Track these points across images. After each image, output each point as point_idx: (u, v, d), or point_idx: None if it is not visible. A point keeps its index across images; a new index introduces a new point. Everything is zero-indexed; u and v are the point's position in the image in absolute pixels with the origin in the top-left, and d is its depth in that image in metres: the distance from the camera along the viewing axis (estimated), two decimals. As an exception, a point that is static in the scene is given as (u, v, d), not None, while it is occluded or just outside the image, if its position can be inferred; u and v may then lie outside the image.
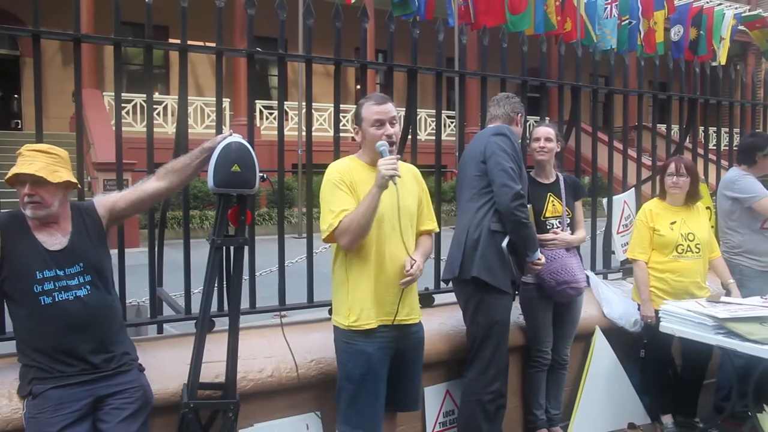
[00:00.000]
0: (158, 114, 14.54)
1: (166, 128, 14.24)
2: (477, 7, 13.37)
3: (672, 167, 3.65)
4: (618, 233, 4.35)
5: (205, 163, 2.48)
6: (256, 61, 3.17)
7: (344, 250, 2.53)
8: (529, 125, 3.79)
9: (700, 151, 4.85)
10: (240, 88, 14.69)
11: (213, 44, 3.06)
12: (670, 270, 3.59)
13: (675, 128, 4.85)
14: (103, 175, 11.09)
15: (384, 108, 2.58)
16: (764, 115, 5.46)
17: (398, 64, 3.49)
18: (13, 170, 2.22)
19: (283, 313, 3.45)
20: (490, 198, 3.01)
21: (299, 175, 13.31)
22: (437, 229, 2.80)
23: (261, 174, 2.52)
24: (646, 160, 4.73)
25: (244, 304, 2.77)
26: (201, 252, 2.71)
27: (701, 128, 5.03)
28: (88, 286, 2.29)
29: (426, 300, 3.56)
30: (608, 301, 3.86)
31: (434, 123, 3.77)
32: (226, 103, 14.37)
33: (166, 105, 14.96)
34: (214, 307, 2.72)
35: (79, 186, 2.49)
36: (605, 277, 4.33)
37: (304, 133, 3.54)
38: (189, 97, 3.17)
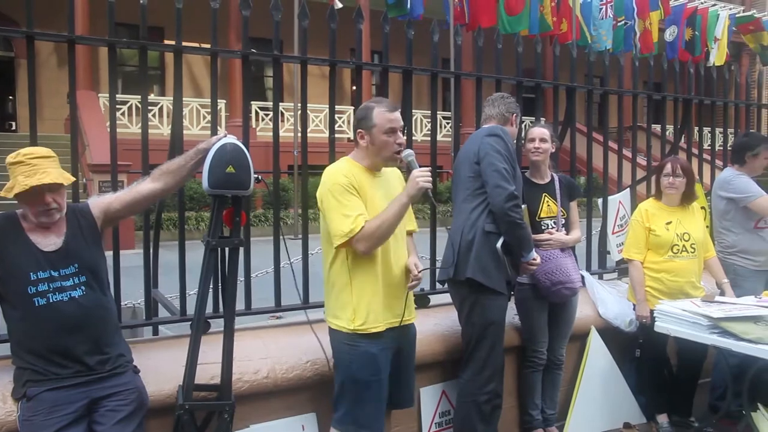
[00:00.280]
0: (153, 115, 14.53)
1: (162, 129, 14.23)
2: (471, 8, 13.41)
3: (668, 168, 3.66)
4: (613, 233, 4.36)
5: (200, 164, 2.47)
6: (251, 62, 3.17)
7: (361, 254, 2.48)
8: (524, 126, 3.80)
9: (695, 151, 4.87)
10: (235, 89, 14.68)
11: (208, 45, 3.06)
12: (666, 270, 3.60)
13: (670, 128, 4.86)
14: (98, 176, 11.06)
15: (397, 116, 2.58)
16: (758, 115, 5.48)
17: (393, 65, 3.49)
18: (29, 183, 2.17)
19: (278, 314, 3.45)
20: (484, 199, 3.01)
21: (295, 177, 13.31)
22: (417, 229, 2.82)
23: (256, 175, 2.53)
24: (641, 161, 4.74)
25: (240, 305, 2.76)
26: (196, 253, 2.71)
27: (696, 128, 5.04)
28: (83, 287, 2.29)
29: (422, 301, 3.57)
30: (603, 301, 3.86)
31: (429, 124, 3.77)
32: (221, 104, 14.36)
33: (162, 106, 14.94)
34: (209, 309, 2.71)
35: (75, 179, 2.48)
36: (600, 278, 4.35)
37: (299, 134, 3.53)
38: (184, 99, 3.17)
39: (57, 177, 2.22)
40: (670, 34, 16.62)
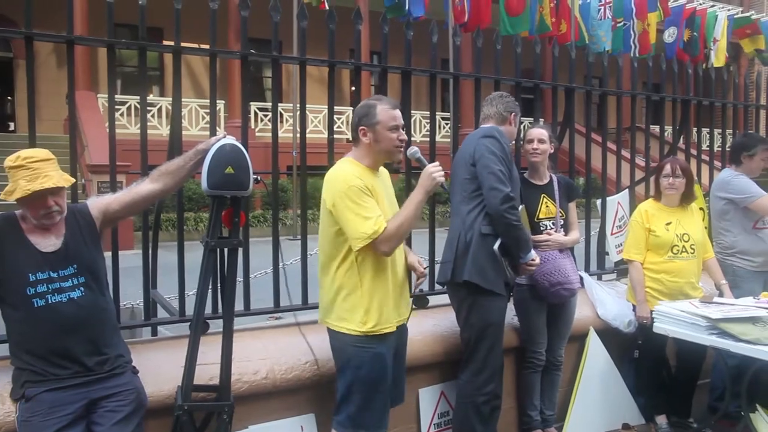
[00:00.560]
0: (152, 116, 14.52)
1: (161, 130, 14.22)
2: (472, 8, 13.42)
3: (667, 168, 3.67)
4: (612, 234, 4.36)
5: (199, 165, 2.48)
6: (250, 63, 3.17)
7: (382, 255, 2.49)
8: (523, 126, 3.80)
9: (694, 152, 4.88)
10: (234, 90, 14.68)
11: (207, 46, 3.06)
12: (666, 270, 3.60)
13: (668, 129, 4.87)
14: (97, 177, 11.06)
15: (399, 113, 2.59)
16: (757, 116, 5.49)
17: (392, 65, 3.50)
18: (31, 187, 2.16)
19: (277, 315, 3.45)
20: (480, 201, 3.00)
21: (294, 177, 13.30)
22: None
23: (255, 176, 2.53)
24: (640, 161, 4.75)
25: (239, 306, 2.76)
26: (195, 254, 2.71)
27: (694, 129, 5.05)
28: (81, 288, 2.29)
29: (420, 301, 3.57)
30: (602, 302, 3.87)
31: (428, 124, 3.77)
32: (220, 104, 14.36)
33: (161, 107, 14.93)
34: (208, 309, 2.71)
35: (74, 180, 2.47)
36: (599, 278, 4.35)
37: (298, 135, 3.54)
38: (183, 99, 3.17)
39: (58, 180, 2.22)
40: (669, 36, 16.63)
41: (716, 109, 4.99)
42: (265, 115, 15.94)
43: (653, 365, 3.75)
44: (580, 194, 3.87)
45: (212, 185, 2.41)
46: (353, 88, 3.54)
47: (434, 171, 2.52)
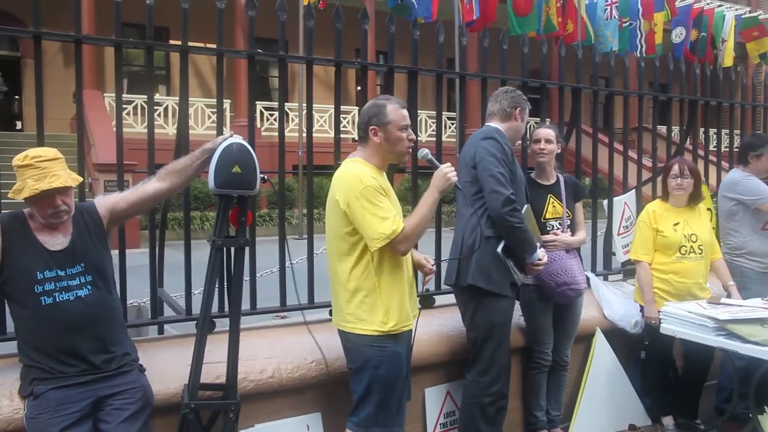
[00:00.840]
0: (159, 115, 14.56)
1: (167, 129, 14.27)
2: (481, 6, 13.41)
3: (675, 169, 3.65)
4: (618, 235, 4.35)
5: (206, 164, 2.48)
6: (256, 62, 3.17)
7: (400, 254, 2.50)
8: (530, 126, 3.79)
9: (701, 152, 4.86)
10: (241, 90, 14.70)
11: (214, 46, 3.07)
12: (674, 271, 3.58)
13: (675, 130, 4.85)
14: (104, 176, 11.11)
15: (407, 113, 2.61)
16: (765, 116, 5.46)
17: (399, 65, 3.49)
18: (39, 187, 2.17)
19: (283, 314, 3.45)
20: (483, 204, 2.99)
21: (300, 176, 13.32)
22: None
23: (262, 175, 2.53)
24: (647, 162, 4.73)
25: (245, 305, 2.77)
26: (201, 253, 2.72)
27: (702, 130, 5.03)
28: (89, 287, 2.30)
29: (426, 301, 3.57)
30: (609, 302, 3.85)
31: (435, 124, 3.77)
32: (226, 104, 14.38)
33: (167, 106, 14.98)
34: (214, 308, 2.72)
35: (82, 179, 2.48)
36: (606, 279, 4.33)
37: (304, 134, 3.54)
38: (190, 98, 3.17)
39: (66, 180, 2.23)
40: (677, 36, 16.56)
41: (724, 109, 4.97)
42: (271, 114, 15.96)
43: (660, 366, 3.74)
44: (587, 194, 3.86)
45: (219, 184, 2.41)
46: (359, 88, 3.53)
47: (448, 171, 2.55)
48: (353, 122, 15.67)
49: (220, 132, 2.93)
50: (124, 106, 3.20)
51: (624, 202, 4.40)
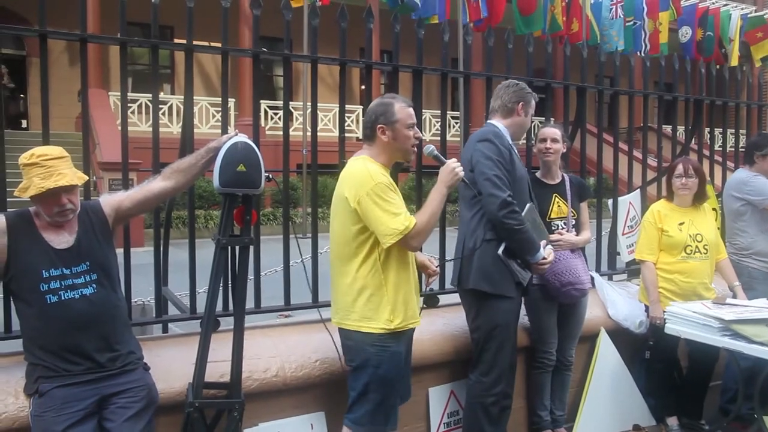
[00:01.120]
0: (163, 114, 14.60)
1: (171, 128, 14.29)
2: (488, 5, 13.40)
3: (680, 168, 3.64)
4: (623, 234, 4.34)
5: (210, 162, 2.49)
6: (261, 61, 3.17)
7: (411, 250, 2.54)
8: (534, 126, 3.78)
9: (706, 152, 4.84)
10: (245, 88, 14.72)
11: (218, 44, 3.07)
12: (679, 271, 3.57)
13: (681, 129, 4.83)
14: (109, 174, 11.13)
15: (413, 111, 2.62)
16: (771, 116, 5.44)
17: (403, 64, 3.49)
18: (45, 185, 2.18)
19: (287, 313, 3.46)
20: (481, 207, 2.97)
21: (304, 175, 13.33)
22: None
23: (266, 174, 2.53)
24: (652, 162, 4.72)
25: (249, 303, 2.77)
26: (206, 251, 2.72)
27: (707, 129, 5.01)
28: (94, 285, 2.30)
29: (431, 300, 3.57)
30: (613, 302, 3.84)
31: (439, 123, 3.76)
32: (231, 103, 14.41)
33: (171, 105, 15.00)
34: (219, 307, 2.72)
35: (87, 178, 2.49)
36: (610, 279, 4.33)
37: (309, 133, 3.54)
38: (194, 97, 3.17)
39: (72, 178, 2.24)
40: (683, 35, 16.51)
41: (729, 109, 4.95)
42: (276, 113, 15.97)
43: (664, 366, 3.73)
44: (592, 194, 3.85)
45: (224, 183, 2.42)
46: (363, 87, 3.54)
47: (455, 166, 2.56)
48: (357, 121, 15.68)
49: (224, 131, 2.93)
50: (128, 104, 3.21)
51: (629, 201, 4.39)
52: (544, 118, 3.87)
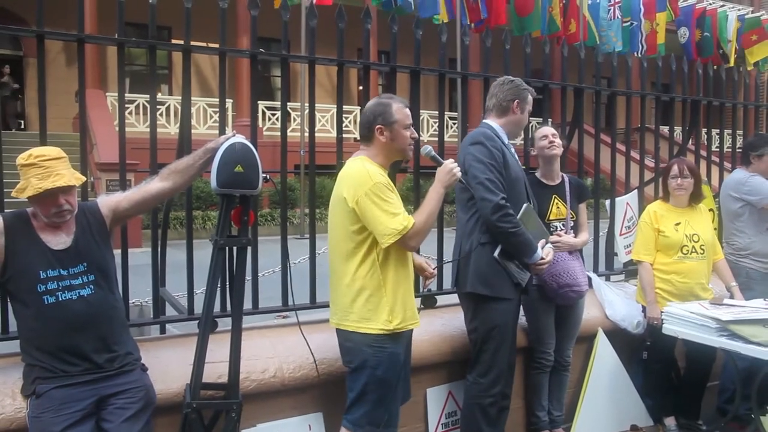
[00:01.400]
0: (161, 114, 14.58)
1: (169, 129, 14.28)
2: (487, 6, 13.41)
3: (675, 169, 3.65)
4: (621, 235, 4.34)
5: (208, 163, 2.48)
6: (259, 62, 3.17)
7: (409, 249, 2.55)
8: (531, 126, 3.78)
9: (703, 153, 4.85)
10: (243, 89, 14.72)
11: (216, 45, 3.07)
12: (675, 271, 3.58)
13: (678, 130, 4.84)
14: (106, 175, 11.13)
15: (409, 111, 2.62)
16: (767, 117, 5.45)
17: (401, 65, 3.49)
18: (43, 186, 2.18)
19: (285, 314, 3.45)
20: (476, 210, 2.97)
21: (301, 176, 13.32)
22: None
23: (264, 174, 2.53)
24: (649, 162, 4.72)
25: (247, 304, 2.77)
26: (203, 252, 2.72)
27: (704, 130, 5.03)
28: (91, 286, 2.30)
29: (428, 301, 3.57)
30: (611, 302, 3.85)
31: (437, 124, 3.77)
32: (228, 103, 14.38)
33: (169, 105, 14.99)
34: (217, 308, 2.72)
35: (85, 179, 2.48)
36: (608, 279, 4.33)
37: (306, 134, 3.54)
38: (192, 98, 3.17)
39: (70, 179, 2.24)
40: (681, 36, 16.55)
41: (726, 109, 4.96)
42: (273, 114, 15.97)
43: (662, 367, 3.74)
44: (590, 195, 3.85)
45: (221, 184, 2.42)
46: (361, 88, 3.53)
47: (453, 166, 2.57)
48: (355, 122, 15.68)
49: (222, 131, 2.93)
50: (126, 105, 3.20)
51: (626, 202, 4.40)
52: (541, 119, 3.88)
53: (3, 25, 2.78)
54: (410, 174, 3.65)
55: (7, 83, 14.59)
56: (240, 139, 2.48)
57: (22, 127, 15.71)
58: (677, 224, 3.62)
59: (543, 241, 3.05)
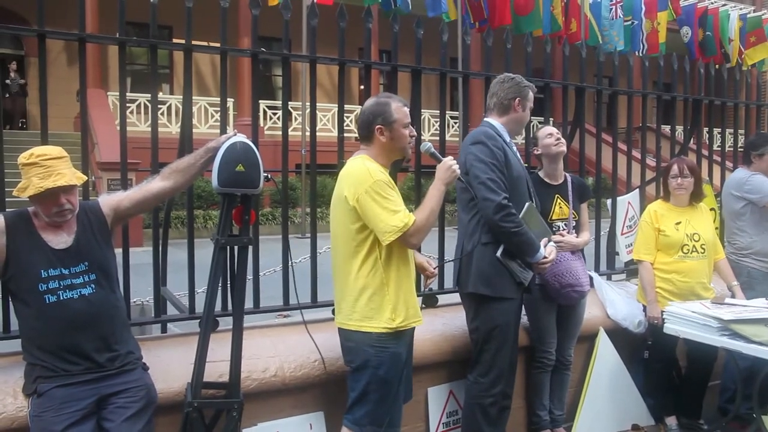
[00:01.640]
0: (162, 114, 14.59)
1: (170, 128, 14.29)
2: (489, 6, 13.39)
3: (675, 169, 3.65)
4: (622, 234, 4.34)
5: (209, 162, 2.48)
6: (260, 61, 3.17)
7: (411, 247, 2.55)
8: (533, 126, 3.78)
9: (705, 152, 4.84)
10: (244, 88, 14.72)
11: (217, 44, 3.07)
12: (676, 270, 3.58)
13: (679, 129, 4.84)
14: (107, 174, 11.13)
15: (408, 110, 2.62)
16: (769, 116, 5.45)
17: (402, 64, 3.49)
18: (44, 185, 2.18)
19: (286, 313, 3.45)
20: (477, 210, 2.97)
21: (302, 175, 13.32)
22: None
23: (265, 174, 2.53)
24: (651, 161, 4.72)
25: (248, 303, 2.77)
26: (205, 251, 2.72)
27: (705, 129, 5.02)
28: (92, 285, 2.30)
29: (430, 300, 3.57)
30: (612, 302, 3.85)
31: (438, 123, 3.77)
32: (229, 103, 14.40)
33: (170, 105, 15.00)
34: (218, 307, 2.72)
35: (86, 178, 2.48)
36: (609, 278, 4.33)
37: (308, 133, 3.54)
38: (193, 97, 3.17)
39: (71, 178, 2.24)
40: (684, 36, 16.52)
41: (728, 109, 4.95)
42: (274, 113, 15.97)
43: (663, 366, 3.73)
44: (592, 195, 3.84)
45: (223, 183, 2.42)
46: (362, 87, 3.53)
47: (452, 164, 2.56)
48: (356, 121, 15.64)
49: (223, 131, 2.93)
50: (127, 104, 3.20)
51: (627, 201, 4.39)
52: (543, 118, 3.87)
53: (4, 25, 2.79)
54: (411, 173, 3.65)
55: (15, 80, 14.61)
56: (241, 138, 2.48)
57: (24, 126, 15.73)
58: (678, 223, 3.62)
59: (546, 239, 3.03)
